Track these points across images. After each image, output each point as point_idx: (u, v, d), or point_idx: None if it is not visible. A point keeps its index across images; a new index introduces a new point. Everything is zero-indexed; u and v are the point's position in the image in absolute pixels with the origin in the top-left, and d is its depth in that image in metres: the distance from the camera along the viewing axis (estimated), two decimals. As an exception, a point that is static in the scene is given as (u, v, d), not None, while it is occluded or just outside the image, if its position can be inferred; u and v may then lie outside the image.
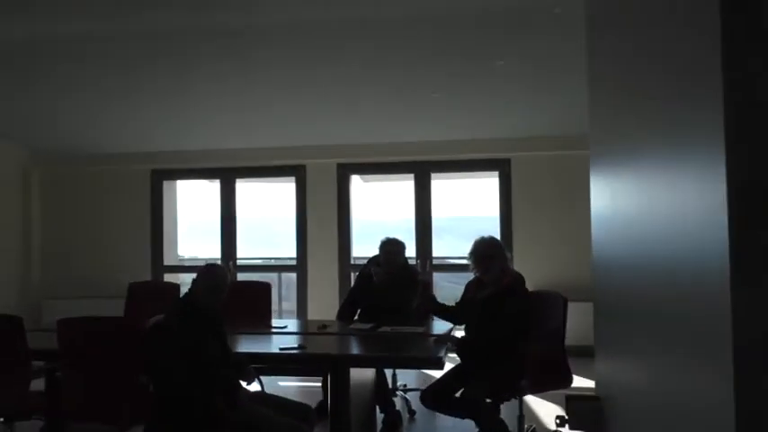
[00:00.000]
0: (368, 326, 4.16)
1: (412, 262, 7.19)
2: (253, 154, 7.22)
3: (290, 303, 7.87)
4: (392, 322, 4.16)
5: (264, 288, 5.04)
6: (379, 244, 4.58)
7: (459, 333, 3.97)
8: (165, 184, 7.63)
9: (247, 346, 3.78)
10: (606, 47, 3.52)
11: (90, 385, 3.06)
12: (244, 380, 3.07)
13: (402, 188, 8.05)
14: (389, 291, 4.42)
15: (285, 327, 4.29)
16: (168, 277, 7.58)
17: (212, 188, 7.72)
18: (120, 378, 3.00)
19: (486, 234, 3.90)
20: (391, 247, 4.55)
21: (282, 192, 7.89)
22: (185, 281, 9.11)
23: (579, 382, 4.98)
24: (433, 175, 7.14)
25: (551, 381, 3.72)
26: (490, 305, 3.64)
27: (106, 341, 3.05)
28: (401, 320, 4.29)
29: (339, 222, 7.18)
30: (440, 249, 7.45)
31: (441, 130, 6.74)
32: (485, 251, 3.75)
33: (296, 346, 3.53)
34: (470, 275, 3.92)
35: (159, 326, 2.88)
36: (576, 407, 3.89)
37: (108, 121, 6.71)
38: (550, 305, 3.80)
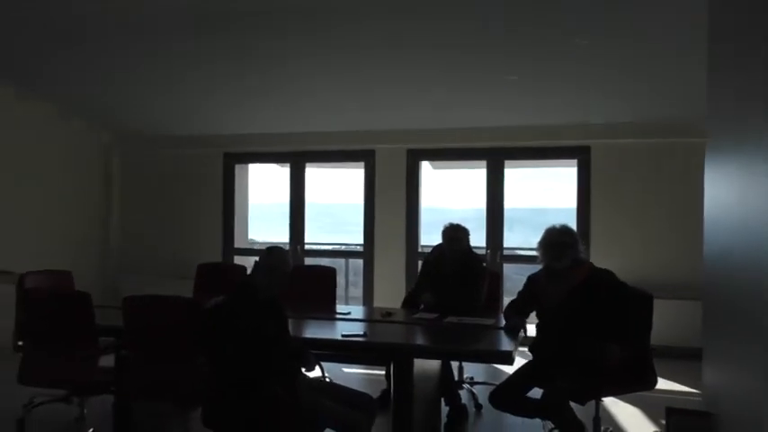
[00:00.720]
0: (433, 315, 3.99)
1: (480, 252, 6.97)
2: (322, 138, 7.16)
3: (357, 290, 7.80)
4: (459, 312, 3.99)
5: (329, 273, 4.95)
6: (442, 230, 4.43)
7: (530, 327, 3.76)
8: (237, 167, 7.69)
9: (310, 331, 3.71)
10: (736, 24, 3.15)
11: (151, 363, 3.04)
12: (304, 366, 2.97)
13: (474, 176, 7.80)
14: (454, 278, 4.24)
15: (349, 313, 4.18)
16: (238, 260, 7.65)
17: (283, 173, 7.73)
18: (181, 358, 2.97)
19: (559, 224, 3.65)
20: (453, 233, 4.36)
21: (352, 178, 7.82)
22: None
23: (662, 384, 4.65)
24: (506, 162, 6.85)
25: (634, 382, 3.44)
26: (576, 294, 3.39)
27: (168, 320, 3.02)
28: (468, 310, 4.11)
29: (407, 209, 7.03)
30: (511, 240, 7.16)
31: (516, 115, 6.44)
32: (557, 238, 3.50)
33: (359, 333, 3.41)
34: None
35: (217, 306, 2.81)
36: (681, 422, 3.52)
37: (183, 103, 6.80)
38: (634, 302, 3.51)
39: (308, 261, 7.57)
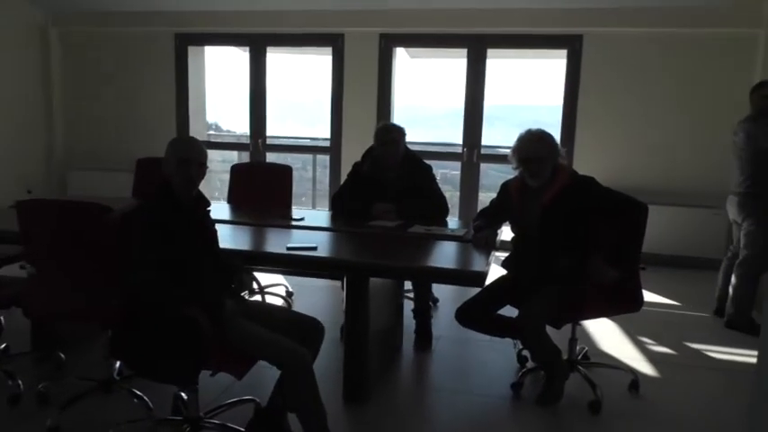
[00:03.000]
0: (393, 223, 3.53)
1: (456, 150, 6.46)
2: (285, 18, 6.36)
3: (325, 186, 7.31)
4: (427, 221, 3.53)
5: (283, 172, 4.41)
6: (376, 132, 3.86)
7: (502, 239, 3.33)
8: (191, 50, 6.89)
9: (252, 241, 3.21)
10: None
11: (61, 279, 2.55)
12: (237, 288, 2.51)
13: (453, 67, 7.11)
14: (402, 186, 3.74)
15: (302, 219, 3.68)
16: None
17: (244, 58, 6.95)
18: (94, 272, 2.47)
19: (535, 126, 3.13)
20: (388, 134, 3.79)
21: (319, 66, 7.07)
22: (214, 158, 8.63)
23: (650, 297, 4.34)
24: (489, 52, 6.17)
25: (619, 304, 3.06)
26: (556, 207, 2.94)
27: (73, 229, 2.49)
28: (436, 217, 3.68)
29: (379, 103, 6.39)
30: (489, 138, 6.62)
31: (503, -4, 5.70)
32: (533, 151, 2.99)
33: (308, 245, 2.92)
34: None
35: (127, 215, 2.29)
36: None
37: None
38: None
39: (271, 157, 7.00)
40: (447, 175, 7.38)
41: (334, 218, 3.87)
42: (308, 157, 7.82)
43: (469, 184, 6.43)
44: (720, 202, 5.62)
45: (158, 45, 6.85)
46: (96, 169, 6.96)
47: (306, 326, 2.53)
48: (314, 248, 2.89)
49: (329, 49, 6.46)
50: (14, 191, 6.66)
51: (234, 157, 8.21)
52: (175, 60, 6.86)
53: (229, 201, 4.41)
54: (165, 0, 6.43)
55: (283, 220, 3.64)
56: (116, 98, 7.10)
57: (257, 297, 4.16)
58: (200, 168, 2.41)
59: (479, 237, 3.13)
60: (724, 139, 5.63)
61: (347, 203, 3.84)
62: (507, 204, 3.19)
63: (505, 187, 3.25)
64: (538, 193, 3.04)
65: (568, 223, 2.95)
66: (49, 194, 7.04)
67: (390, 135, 3.79)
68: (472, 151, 6.33)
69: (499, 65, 7.14)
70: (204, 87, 7.28)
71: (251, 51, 6.70)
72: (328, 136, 6.68)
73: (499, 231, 3.33)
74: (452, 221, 3.81)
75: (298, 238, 3.17)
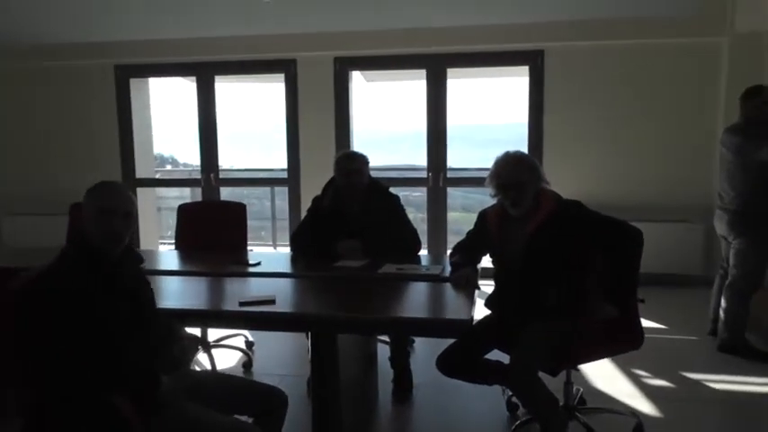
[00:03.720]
0: (360, 263, 3.17)
1: (421, 174, 6.16)
2: (232, 45, 6.00)
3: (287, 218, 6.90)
4: (395, 257, 3.18)
5: (237, 210, 4.01)
6: (336, 161, 3.53)
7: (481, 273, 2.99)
8: (133, 82, 6.45)
9: (198, 297, 2.78)
10: None
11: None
12: (179, 359, 2.09)
13: (412, 89, 6.84)
14: (367, 219, 3.41)
15: (259, 263, 3.28)
16: (142, 193, 6.59)
17: (192, 88, 6.55)
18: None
19: (510, 147, 2.84)
20: (350, 164, 3.46)
21: (272, 93, 6.72)
22: (167, 195, 8.13)
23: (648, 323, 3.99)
24: (449, 71, 5.92)
25: (617, 342, 2.74)
26: (542, 237, 2.63)
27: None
28: (406, 251, 3.34)
29: (337, 129, 6.06)
30: (454, 159, 6.35)
31: (460, 13, 5.46)
32: (513, 176, 2.68)
33: (265, 297, 2.53)
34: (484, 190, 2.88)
35: (30, 286, 1.87)
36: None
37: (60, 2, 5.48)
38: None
39: (225, 193, 6.58)
40: (409, 197, 7.05)
41: (295, 259, 3.49)
42: (267, 188, 7.43)
43: (437, 210, 6.12)
44: (693, 216, 5.47)
45: (98, 78, 6.40)
46: (34, 214, 6.41)
47: (267, 397, 2.14)
48: (272, 301, 2.50)
49: (282, 75, 6.11)
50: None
51: (187, 193, 7.76)
52: (117, 94, 6.41)
53: (177, 246, 3.98)
54: (103, 30, 6.00)
55: (238, 266, 3.24)
56: (54, 137, 6.59)
57: (210, 353, 3.72)
58: (127, 219, 2.01)
59: (459, 276, 2.79)
60: (693, 150, 5.51)
61: (308, 242, 3.47)
62: (486, 236, 2.86)
63: (483, 217, 2.93)
64: (520, 222, 2.73)
65: (556, 254, 2.64)
66: (-17, 244, 6.46)
67: (352, 164, 3.45)
68: (438, 175, 6.04)
69: (460, 84, 6.91)
70: (150, 121, 6.84)
71: (198, 81, 6.31)
72: (285, 166, 6.30)
73: (479, 267, 2.99)
74: (424, 257, 3.46)
75: (255, 287, 2.79)
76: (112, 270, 1.98)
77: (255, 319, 2.42)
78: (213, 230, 3.97)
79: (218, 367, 3.67)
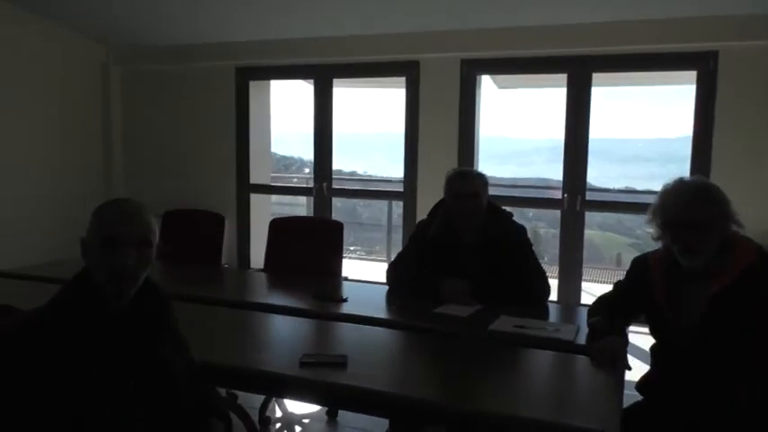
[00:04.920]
0: (468, 311, 2.51)
1: (554, 195, 5.34)
2: (352, 46, 5.56)
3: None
4: (514, 305, 2.49)
5: (333, 229, 3.50)
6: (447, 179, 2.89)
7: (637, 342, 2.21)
8: (253, 85, 6.23)
9: (251, 341, 2.25)
10: None
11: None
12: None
13: (550, 97, 6.03)
14: (483, 256, 2.72)
15: (345, 300, 2.74)
16: (255, 200, 6.35)
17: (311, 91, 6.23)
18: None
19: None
20: (464, 184, 2.79)
21: (393, 99, 6.22)
22: (277, 207, 7.90)
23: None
24: (595, 76, 5.05)
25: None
26: (731, 302, 1.84)
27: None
28: (528, 300, 2.64)
29: (461, 140, 5.41)
30: (590, 177, 5.45)
31: (609, 7, 4.61)
32: (695, 212, 1.89)
33: (328, 358, 1.96)
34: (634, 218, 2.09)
35: (18, 336, 1.42)
36: None
37: (185, 4, 5.35)
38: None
39: (339, 205, 6.16)
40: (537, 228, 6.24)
41: (390, 294, 2.90)
42: (381, 204, 6.94)
43: (572, 238, 5.26)
44: None
45: (219, 81, 6.25)
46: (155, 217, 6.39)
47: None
48: (341, 363, 1.92)
49: (403, 79, 5.58)
50: (66, 239, 6.22)
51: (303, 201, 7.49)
52: (236, 96, 6.23)
53: (266, 266, 3.55)
54: (226, 30, 5.81)
55: (320, 301, 2.70)
56: (175, 140, 6.55)
57: None
58: (143, 251, 1.53)
59: (601, 349, 2.04)
60: None
61: (406, 277, 2.87)
62: (643, 293, 2.09)
63: (641, 266, 2.15)
64: (698, 278, 1.94)
65: (752, 331, 1.83)
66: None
67: (467, 185, 2.81)
68: (575, 197, 5.18)
69: (605, 92, 5.98)
70: (269, 125, 6.61)
71: (315, 84, 5.95)
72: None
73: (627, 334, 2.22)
74: (553, 308, 2.73)
75: (331, 334, 2.23)
76: (119, 319, 1.50)
77: (313, 388, 1.84)
78: (306, 250, 3.51)
79: None
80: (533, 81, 6.23)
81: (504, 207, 2.89)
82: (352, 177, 7.57)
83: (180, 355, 1.66)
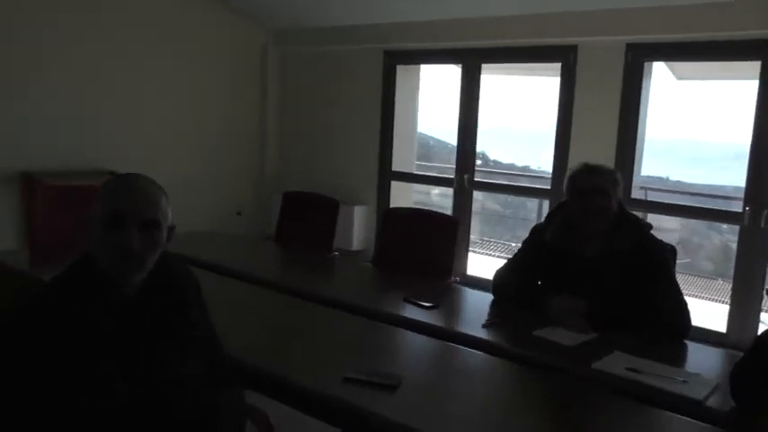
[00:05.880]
0: (577, 339, 2.05)
1: (732, 207, 4.49)
2: (502, 29, 5.11)
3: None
4: (634, 340, 1.98)
5: (447, 225, 3.16)
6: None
7: None
8: (400, 69, 6.03)
9: (312, 346, 1.97)
10: None
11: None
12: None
13: (732, 90, 5.09)
14: (605, 269, 2.20)
15: (435, 307, 2.39)
16: (396, 188, 6.18)
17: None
18: None
19: None
20: (591, 180, 2.29)
21: (542, 89, 5.66)
22: (424, 196, 7.66)
23: None
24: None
25: None
26: None
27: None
28: (642, 336, 2.10)
29: (621, 136, 4.74)
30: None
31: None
32: None
33: (378, 378, 1.64)
34: None
35: (18, 312, 1.30)
36: None
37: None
38: None
39: (480, 199, 5.78)
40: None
41: (494, 305, 2.50)
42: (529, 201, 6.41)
43: (750, 263, 4.37)
44: None
45: (368, 64, 6.14)
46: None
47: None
48: (392, 386, 1.61)
49: (558, 66, 5.02)
50: (223, 212, 6.53)
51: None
52: (383, 81, 6.07)
53: (375, 260, 3.31)
54: (376, 11, 5.66)
55: (406, 305, 2.40)
56: (323, 122, 6.58)
57: None
58: (150, 233, 1.34)
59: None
60: None
61: (514, 288, 2.45)
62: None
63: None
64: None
65: None
66: (257, 217, 6.81)
67: (595, 180, 2.32)
68: (760, 212, 4.29)
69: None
70: (415, 111, 6.38)
71: (462, 70, 5.59)
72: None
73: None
74: (694, 349, 2.15)
75: (401, 347, 1.92)
76: (120, 310, 1.32)
77: (348, 414, 1.54)
78: (417, 246, 3.21)
79: None
80: (719, 71, 5.30)
81: (639, 214, 2.37)
82: (496, 170, 7.07)
83: (195, 358, 1.46)
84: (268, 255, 3.45)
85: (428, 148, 7.45)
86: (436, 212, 3.42)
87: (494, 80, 5.76)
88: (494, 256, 6.99)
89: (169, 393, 1.36)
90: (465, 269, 5.66)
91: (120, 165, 5.44)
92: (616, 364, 1.85)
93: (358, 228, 6.07)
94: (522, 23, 4.99)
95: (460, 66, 5.61)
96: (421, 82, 6.26)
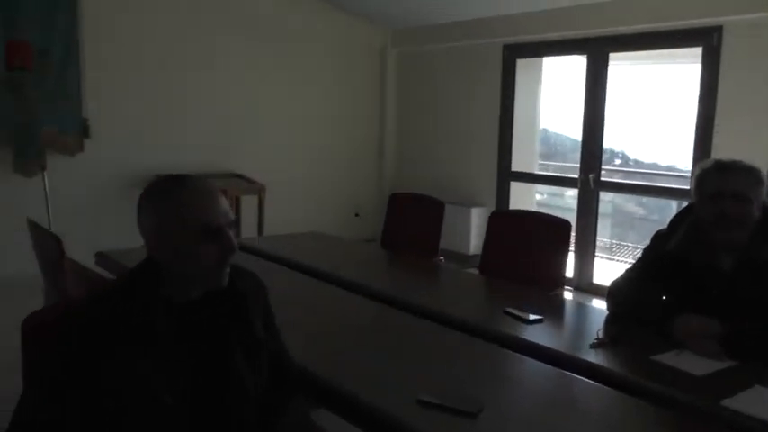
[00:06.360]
0: (708, 367, 1.72)
1: None
2: (631, 11, 4.65)
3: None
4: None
5: (557, 228, 2.86)
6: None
7: None
8: (520, 63, 5.73)
9: (397, 367, 1.81)
10: None
11: None
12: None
13: None
14: (744, 298, 1.82)
15: (540, 321, 2.14)
16: (516, 187, 5.88)
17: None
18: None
19: None
20: (724, 182, 1.92)
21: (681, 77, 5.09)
22: (550, 198, 7.24)
23: None
24: None
25: None
26: None
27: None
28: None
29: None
30: None
31: None
32: None
33: (454, 403, 1.45)
34: None
35: (66, 317, 1.27)
36: None
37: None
38: None
39: (608, 200, 5.33)
40: None
41: (609, 322, 2.19)
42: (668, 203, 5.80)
43: None
44: None
45: (486, 60, 5.89)
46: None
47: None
48: (471, 413, 1.41)
49: (698, 50, 4.47)
50: (342, 214, 6.59)
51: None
52: (501, 77, 5.79)
53: (481, 266, 3.09)
54: (494, 3, 5.39)
55: (508, 319, 2.17)
56: (440, 122, 6.43)
57: None
58: (233, 232, 1.33)
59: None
60: None
61: (632, 302, 2.14)
62: None
63: None
64: None
65: None
66: (375, 218, 6.82)
67: (731, 181, 1.96)
68: None
69: None
70: (537, 108, 6.03)
71: (588, 61, 5.17)
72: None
73: None
74: None
75: (478, 368, 1.71)
76: (187, 309, 1.28)
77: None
78: (525, 251, 2.95)
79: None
80: None
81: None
82: (636, 170, 6.53)
83: (257, 369, 1.37)
84: (367, 257, 3.34)
85: (552, 146, 7.01)
86: (545, 215, 3.13)
87: (621, 70, 5.27)
88: (627, 262, 6.43)
89: (228, 401, 1.30)
90: (590, 277, 5.24)
91: (246, 167, 5.65)
92: (754, 402, 1.51)
93: (475, 231, 5.84)
94: (655, 5, 4.51)
95: (585, 56, 5.20)
96: (543, 75, 5.90)
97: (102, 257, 2.85)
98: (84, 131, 4.84)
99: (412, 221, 3.52)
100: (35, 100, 4.40)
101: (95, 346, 1.19)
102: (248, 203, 5.48)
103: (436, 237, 3.34)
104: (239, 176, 5.60)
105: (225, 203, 1.32)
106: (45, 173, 4.48)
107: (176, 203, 1.27)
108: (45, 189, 4.46)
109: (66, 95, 4.67)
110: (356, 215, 6.83)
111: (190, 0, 5.41)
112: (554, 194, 7.13)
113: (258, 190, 5.39)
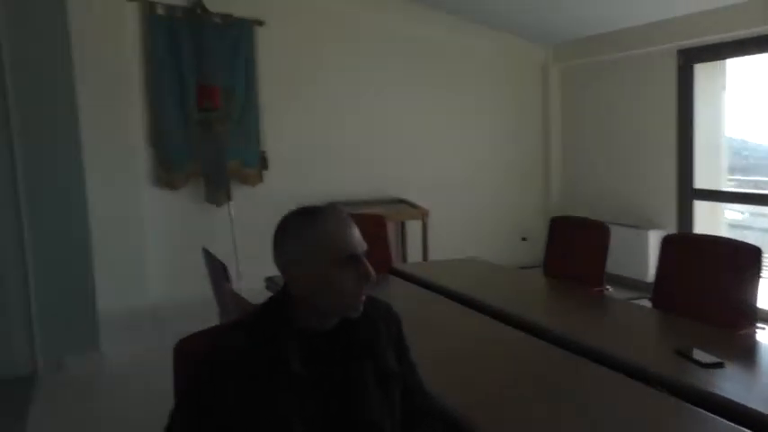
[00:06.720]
0: None
1: None
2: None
3: None
4: None
5: (744, 255, 2.49)
6: None
7: None
8: (698, 69, 5.19)
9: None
10: None
11: None
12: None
13: None
14: None
15: (720, 365, 1.86)
16: (700, 207, 5.31)
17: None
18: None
19: None
20: None
21: None
22: (742, 215, 6.40)
23: None
24: None
25: None
26: None
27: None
28: None
29: None
30: None
31: None
32: None
33: None
34: None
35: (210, 356, 1.33)
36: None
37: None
38: None
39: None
40: None
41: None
42: None
43: None
44: None
45: (657, 67, 5.43)
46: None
47: None
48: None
49: None
50: (508, 238, 6.40)
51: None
52: (677, 84, 5.29)
53: (654, 297, 2.80)
54: (664, 5, 4.96)
55: (678, 361, 1.92)
56: (608, 137, 6.04)
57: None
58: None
59: None
60: None
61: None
62: None
63: None
64: None
65: None
66: (543, 241, 6.58)
67: None
68: None
69: None
70: (721, 117, 5.40)
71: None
72: None
73: None
74: None
75: (625, 417, 1.51)
76: (319, 339, 1.32)
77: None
78: (704, 281, 2.61)
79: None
80: None
81: None
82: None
83: (388, 403, 1.34)
84: (525, 286, 3.19)
85: (745, 158, 6.18)
86: (730, 239, 2.74)
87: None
88: None
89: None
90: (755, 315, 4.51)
91: (410, 193, 5.73)
92: None
93: (654, 256, 5.33)
94: None
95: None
96: (727, 79, 5.26)
97: (271, 282, 3.01)
98: (263, 164, 5.22)
99: (575, 247, 3.30)
100: (224, 135, 4.85)
101: (229, 374, 1.23)
102: (413, 228, 5.54)
103: (601, 264, 3.10)
104: (403, 201, 5.70)
105: (359, 233, 1.33)
106: (231, 202, 4.90)
107: (318, 231, 1.31)
108: (230, 216, 4.85)
109: (248, 131, 5.05)
110: (523, 239, 6.60)
111: (357, 35, 5.61)
112: (758, 214, 6.22)
113: (422, 215, 5.44)
